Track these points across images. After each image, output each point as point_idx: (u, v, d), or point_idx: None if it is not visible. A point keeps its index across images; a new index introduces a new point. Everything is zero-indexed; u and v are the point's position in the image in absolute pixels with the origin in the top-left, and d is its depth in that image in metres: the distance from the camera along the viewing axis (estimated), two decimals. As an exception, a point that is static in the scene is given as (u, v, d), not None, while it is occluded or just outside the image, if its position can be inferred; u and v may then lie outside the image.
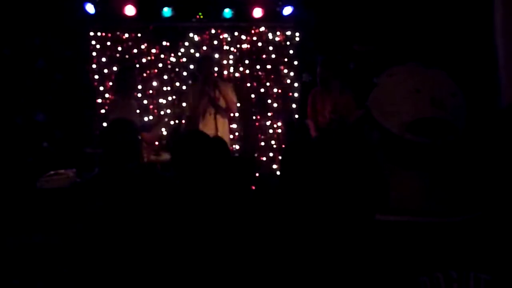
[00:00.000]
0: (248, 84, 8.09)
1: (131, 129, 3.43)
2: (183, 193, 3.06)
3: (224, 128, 6.44)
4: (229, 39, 8.04)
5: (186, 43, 7.91)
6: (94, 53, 7.72)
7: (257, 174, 7.32)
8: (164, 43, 7.91)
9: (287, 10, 7.73)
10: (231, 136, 7.34)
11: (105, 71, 7.65)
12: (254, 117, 8.09)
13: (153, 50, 7.88)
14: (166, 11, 7.56)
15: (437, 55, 6.44)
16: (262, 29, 8.07)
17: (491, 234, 1.23)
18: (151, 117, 7.66)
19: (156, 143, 7.14)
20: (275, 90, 8.10)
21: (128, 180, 3.17)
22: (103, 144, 3.33)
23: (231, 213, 2.83)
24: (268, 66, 8.10)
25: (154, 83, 7.80)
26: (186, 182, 3.08)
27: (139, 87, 7.71)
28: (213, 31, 7.99)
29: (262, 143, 8.09)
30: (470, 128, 1.37)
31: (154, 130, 6.91)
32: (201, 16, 7.82)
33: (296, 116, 7.93)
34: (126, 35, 7.83)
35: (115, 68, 7.58)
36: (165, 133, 7.71)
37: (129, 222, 2.91)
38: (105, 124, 6.70)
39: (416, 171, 1.27)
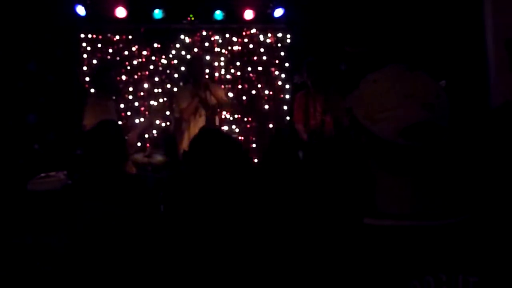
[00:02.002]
0: (240, 86, 8.10)
1: (117, 130, 3.41)
2: (192, 191, 3.04)
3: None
4: (220, 41, 8.05)
5: (177, 45, 7.91)
6: (85, 55, 7.71)
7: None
8: (155, 45, 7.90)
9: (278, 12, 7.74)
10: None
11: (96, 73, 7.64)
12: (245, 119, 8.10)
13: (144, 52, 7.88)
14: (157, 13, 7.55)
15: (428, 56, 6.46)
16: (253, 31, 8.09)
17: (479, 236, 1.24)
18: (142, 119, 7.66)
19: (139, 144, 7.12)
20: (266, 92, 8.12)
21: (118, 182, 3.16)
22: (89, 146, 3.31)
23: (230, 214, 2.83)
24: (259, 68, 8.11)
25: (145, 85, 7.80)
26: (199, 180, 3.04)
27: (130, 89, 7.71)
28: (204, 33, 8.00)
29: (254, 145, 8.09)
30: (459, 130, 1.38)
31: (134, 132, 6.89)
32: (192, 18, 7.81)
33: (288, 118, 7.92)
34: (117, 37, 7.83)
35: (106, 70, 7.58)
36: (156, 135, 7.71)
37: (118, 226, 2.90)
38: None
39: (405, 175, 1.27)
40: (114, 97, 6.86)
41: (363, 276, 1.16)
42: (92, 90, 7.51)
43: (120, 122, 6.67)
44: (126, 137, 6.09)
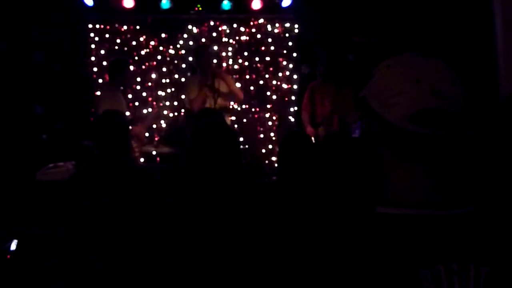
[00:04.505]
0: (247, 76, 8.08)
1: (119, 121, 3.40)
2: (193, 185, 3.04)
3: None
4: (228, 31, 8.03)
5: (185, 35, 7.90)
6: (92, 46, 7.72)
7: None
8: (163, 35, 7.90)
9: (286, 2, 7.72)
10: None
11: (104, 63, 7.65)
12: (253, 109, 8.08)
13: (152, 42, 7.87)
14: (165, 3, 7.54)
15: (436, 46, 6.43)
16: (261, 21, 8.05)
17: (491, 226, 1.23)
18: (149, 110, 7.67)
19: (146, 135, 7.13)
20: (274, 82, 8.09)
21: (119, 173, 3.15)
22: (93, 137, 3.31)
23: (233, 206, 2.83)
24: (267, 58, 8.09)
25: (153, 76, 7.79)
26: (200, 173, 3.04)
27: (138, 79, 7.71)
28: (211, 23, 7.98)
29: (261, 135, 8.08)
30: (470, 119, 1.37)
31: (143, 124, 6.91)
32: (200, 8, 7.81)
33: (296, 108, 7.90)
34: (125, 27, 7.83)
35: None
36: (164, 125, 7.71)
37: (125, 217, 2.90)
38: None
39: (417, 163, 1.26)
40: (121, 88, 6.89)
41: (374, 264, 1.16)
42: (100, 80, 7.53)
43: (128, 113, 6.68)
44: (132, 129, 6.13)
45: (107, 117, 3.43)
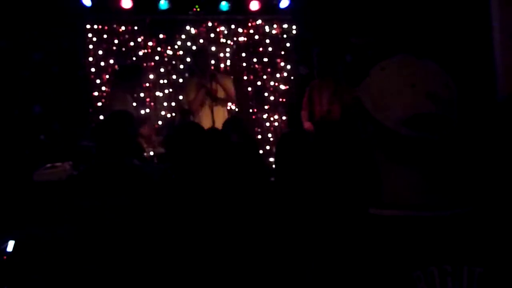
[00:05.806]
0: (245, 77, 8.08)
1: (129, 121, 3.39)
2: (179, 187, 3.05)
3: (221, 121, 6.42)
4: (225, 32, 8.03)
5: (183, 36, 7.90)
6: (90, 46, 7.70)
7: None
8: (161, 36, 7.89)
9: (284, 3, 7.73)
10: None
11: (102, 64, 7.64)
12: (251, 110, 8.08)
13: (150, 43, 7.87)
14: (163, 4, 7.54)
15: (434, 47, 6.43)
16: (259, 22, 8.06)
17: (484, 227, 1.23)
18: (147, 110, 7.66)
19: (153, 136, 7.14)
20: (272, 83, 8.09)
21: (125, 174, 3.15)
22: (101, 137, 3.29)
23: (229, 207, 2.83)
24: (265, 59, 8.09)
25: (151, 76, 7.79)
26: (181, 175, 3.07)
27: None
28: (209, 24, 7.99)
29: (259, 136, 8.08)
30: (465, 122, 1.37)
31: (149, 123, 6.92)
32: (198, 9, 7.81)
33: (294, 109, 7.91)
34: (123, 27, 7.82)
35: (111, 61, 7.61)
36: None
37: (124, 217, 2.90)
38: (102, 117, 6.76)
39: (411, 165, 1.26)
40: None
41: (367, 266, 1.16)
42: (98, 81, 7.53)
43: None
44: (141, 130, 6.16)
45: (118, 117, 3.42)
